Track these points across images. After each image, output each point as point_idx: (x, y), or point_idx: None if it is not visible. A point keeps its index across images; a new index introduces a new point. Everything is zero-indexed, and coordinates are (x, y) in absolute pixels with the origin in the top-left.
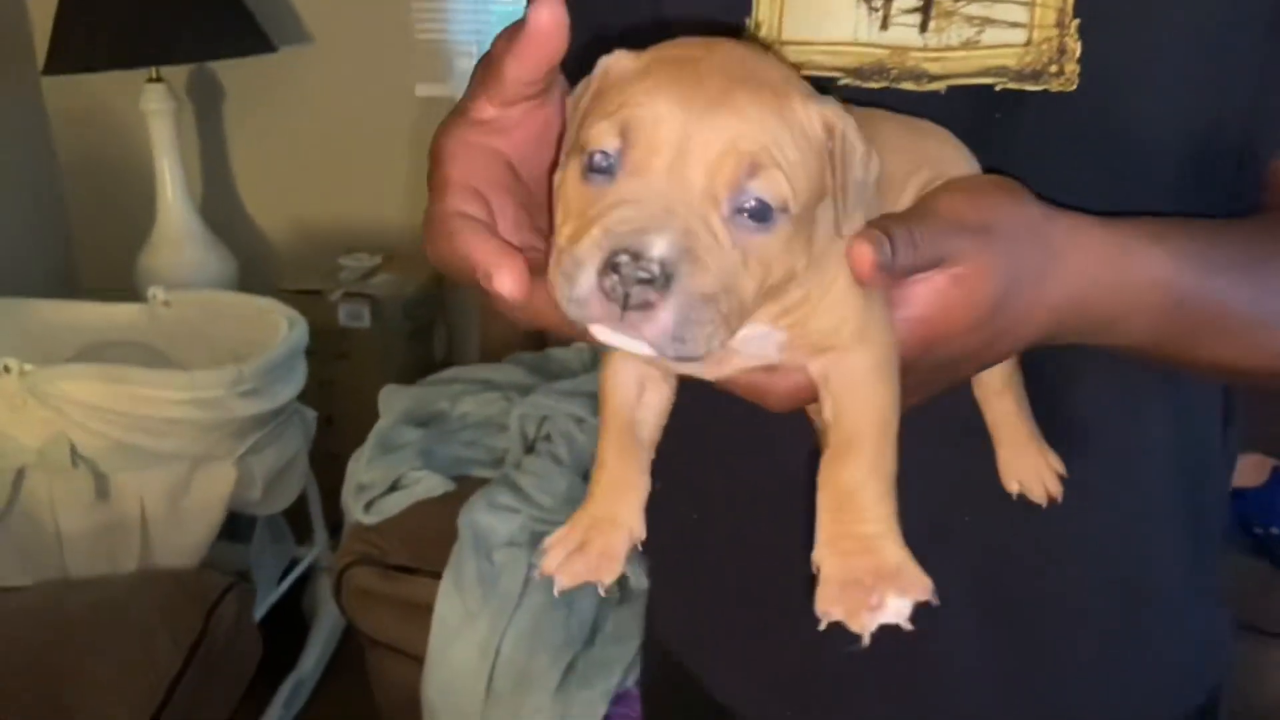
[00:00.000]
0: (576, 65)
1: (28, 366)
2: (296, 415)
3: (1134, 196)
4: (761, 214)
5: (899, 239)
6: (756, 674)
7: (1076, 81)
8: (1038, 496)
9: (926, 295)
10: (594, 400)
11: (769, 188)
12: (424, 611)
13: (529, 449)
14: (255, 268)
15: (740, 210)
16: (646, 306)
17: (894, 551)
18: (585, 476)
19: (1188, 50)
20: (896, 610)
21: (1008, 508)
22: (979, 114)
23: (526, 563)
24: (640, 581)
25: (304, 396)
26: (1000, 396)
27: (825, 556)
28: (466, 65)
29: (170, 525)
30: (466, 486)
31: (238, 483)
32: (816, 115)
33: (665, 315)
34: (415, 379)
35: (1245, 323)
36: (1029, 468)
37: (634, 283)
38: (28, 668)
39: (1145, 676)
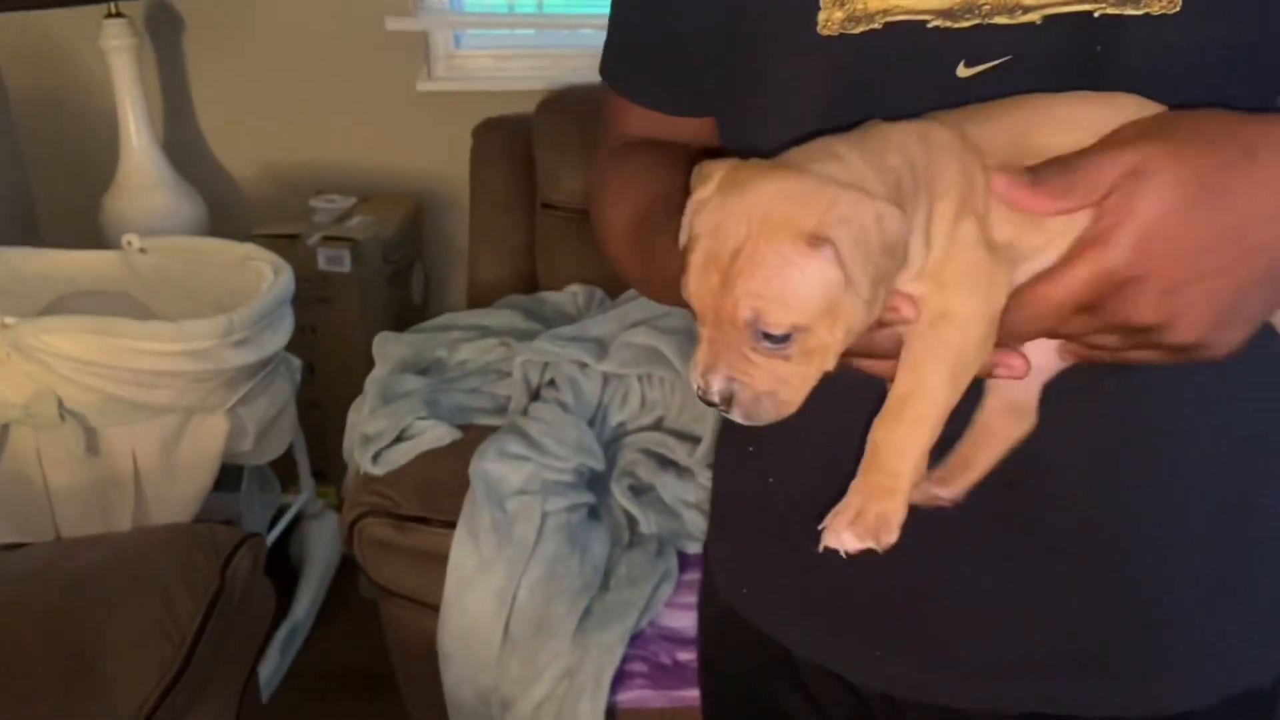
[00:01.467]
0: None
1: (9, 320)
2: (284, 364)
3: None
4: (778, 339)
5: (1046, 167)
6: (821, 613)
7: (1180, 3)
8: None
9: (1115, 202)
10: (596, 345)
11: (774, 324)
12: (438, 561)
13: (534, 396)
14: (224, 212)
15: (763, 337)
16: (728, 408)
17: (885, 503)
18: (592, 423)
19: None
20: (844, 543)
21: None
22: (1078, 44)
23: (539, 510)
24: (649, 525)
25: (288, 345)
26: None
27: (849, 492)
28: None
29: (164, 479)
30: (473, 435)
31: (230, 434)
32: (813, 252)
33: (737, 412)
34: (395, 324)
35: None
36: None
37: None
38: (45, 631)
39: (1247, 629)
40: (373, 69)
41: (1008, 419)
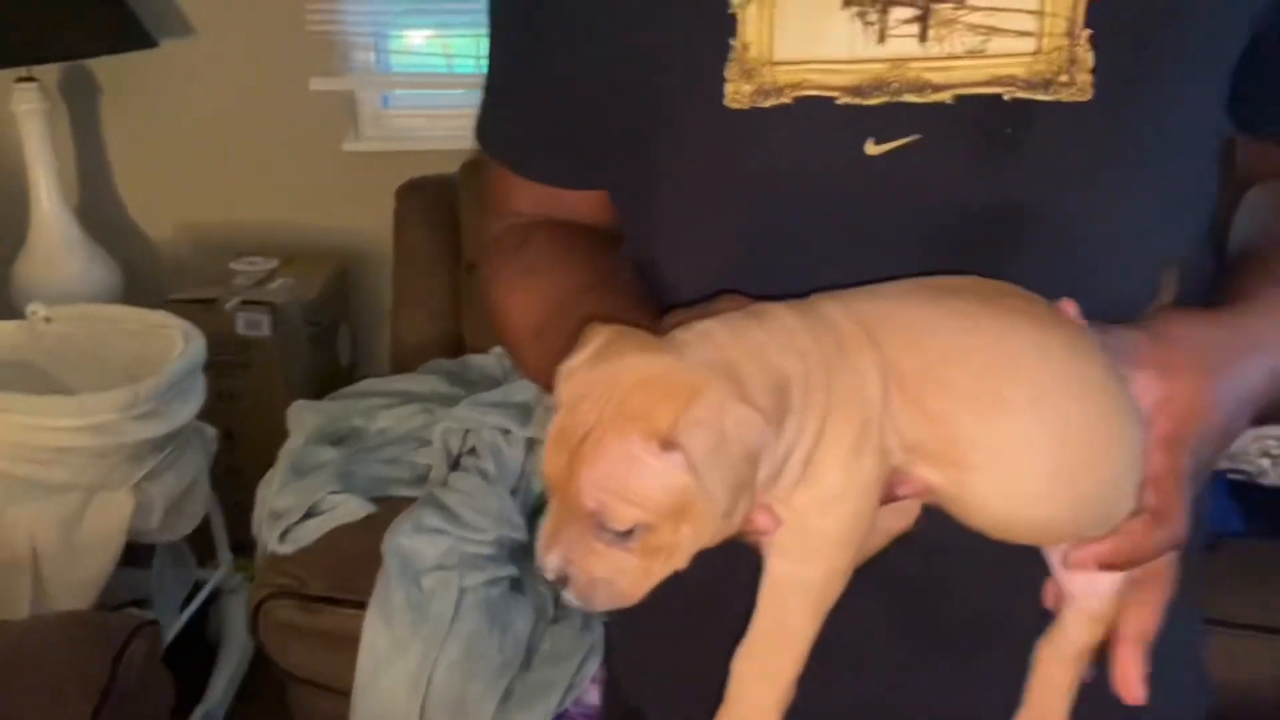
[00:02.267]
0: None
1: None
2: (196, 434)
3: (1150, 209)
4: (622, 533)
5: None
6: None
7: (1090, 91)
8: None
9: (1152, 380)
10: (520, 410)
11: (616, 521)
12: (349, 643)
13: (454, 465)
14: (142, 277)
15: (606, 529)
16: (564, 587)
17: None
18: (514, 492)
19: (1202, 59)
20: None
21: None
22: (988, 126)
23: (457, 586)
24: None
25: (202, 412)
26: (1062, 665)
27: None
28: (362, 58)
29: (64, 561)
30: (389, 508)
31: (135, 511)
32: (663, 453)
33: (571, 594)
34: (320, 386)
35: None
36: None
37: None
38: None
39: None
40: (298, 129)
41: (890, 515)
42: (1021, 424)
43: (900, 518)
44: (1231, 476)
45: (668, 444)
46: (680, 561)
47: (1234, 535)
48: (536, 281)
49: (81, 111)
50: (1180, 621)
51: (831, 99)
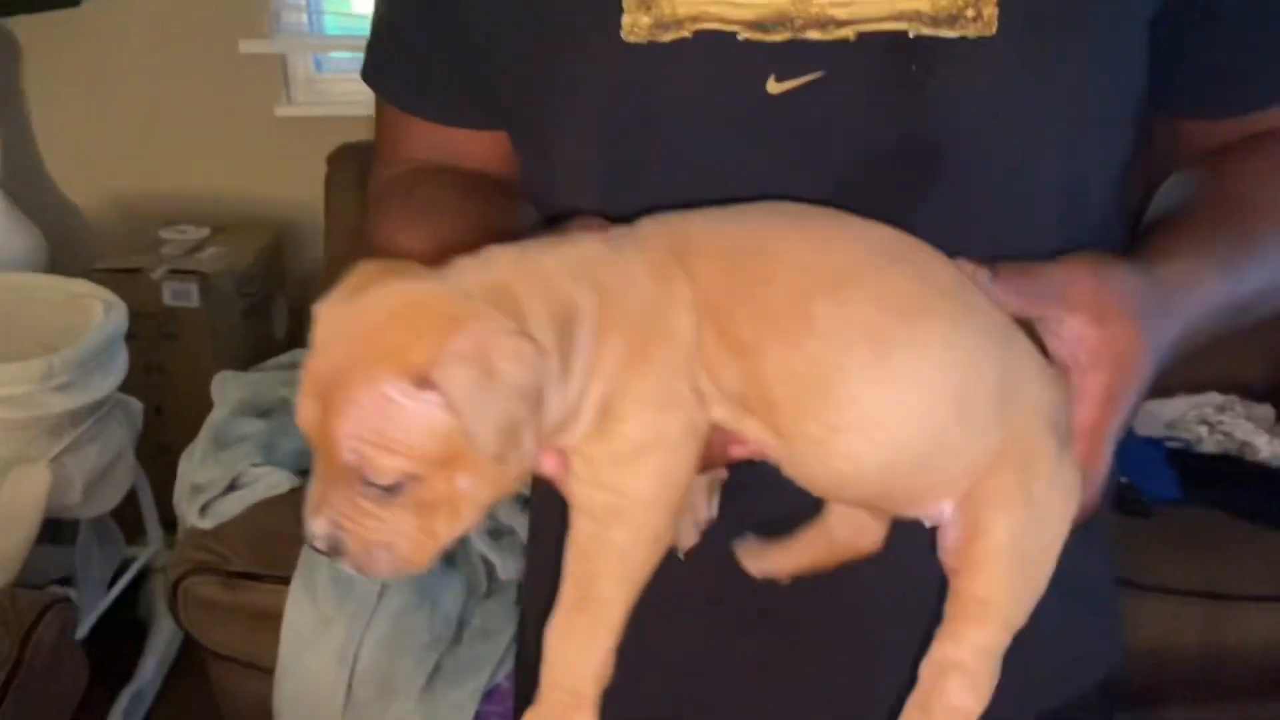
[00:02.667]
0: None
1: None
2: (119, 407)
3: (1057, 145)
4: (388, 488)
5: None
6: (645, 699)
7: (995, 25)
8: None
9: (1083, 336)
10: None
11: (378, 474)
12: (272, 620)
13: None
14: (67, 246)
15: (371, 485)
16: (337, 557)
17: None
18: None
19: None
20: None
21: None
22: (893, 63)
23: None
24: (509, 572)
25: (128, 385)
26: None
27: (534, 702)
28: (293, 20)
29: None
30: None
31: (53, 486)
32: (417, 393)
33: (347, 563)
34: (254, 359)
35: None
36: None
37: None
38: None
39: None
40: (227, 93)
41: (849, 529)
42: (832, 349)
43: (864, 535)
44: (1170, 445)
45: (423, 382)
46: (467, 519)
47: (1171, 502)
48: (423, 228)
49: (1, 75)
50: (1091, 572)
51: (733, 34)
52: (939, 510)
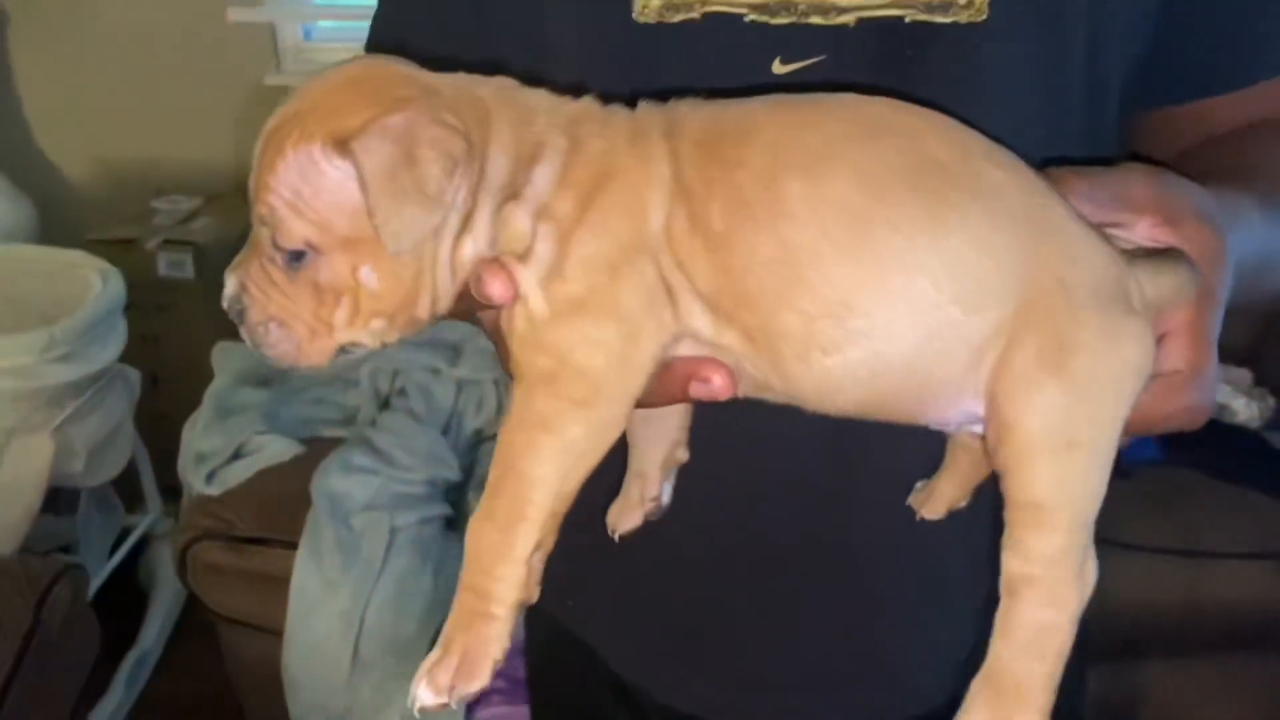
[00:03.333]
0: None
1: None
2: (119, 377)
3: (1045, 126)
4: (294, 255)
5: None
6: (649, 640)
7: (986, 11)
8: None
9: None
10: (449, 349)
11: (284, 235)
12: (279, 584)
13: (383, 405)
14: (58, 216)
15: (278, 248)
16: (240, 323)
17: (477, 635)
18: (445, 431)
19: None
20: (421, 699)
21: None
22: (890, 49)
23: (388, 525)
24: None
25: (126, 355)
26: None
27: (452, 609)
28: None
29: None
30: (317, 448)
31: (57, 456)
32: (336, 159)
33: (245, 334)
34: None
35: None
36: None
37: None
38: None
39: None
40: (216, 62)
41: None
42: (805, 231)
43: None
44: None
45: (344, 150)
46: (367, 321)
47: (1151, 463)
48: None
49: None
50: None
51: (740, 16)
52: (965, 413)
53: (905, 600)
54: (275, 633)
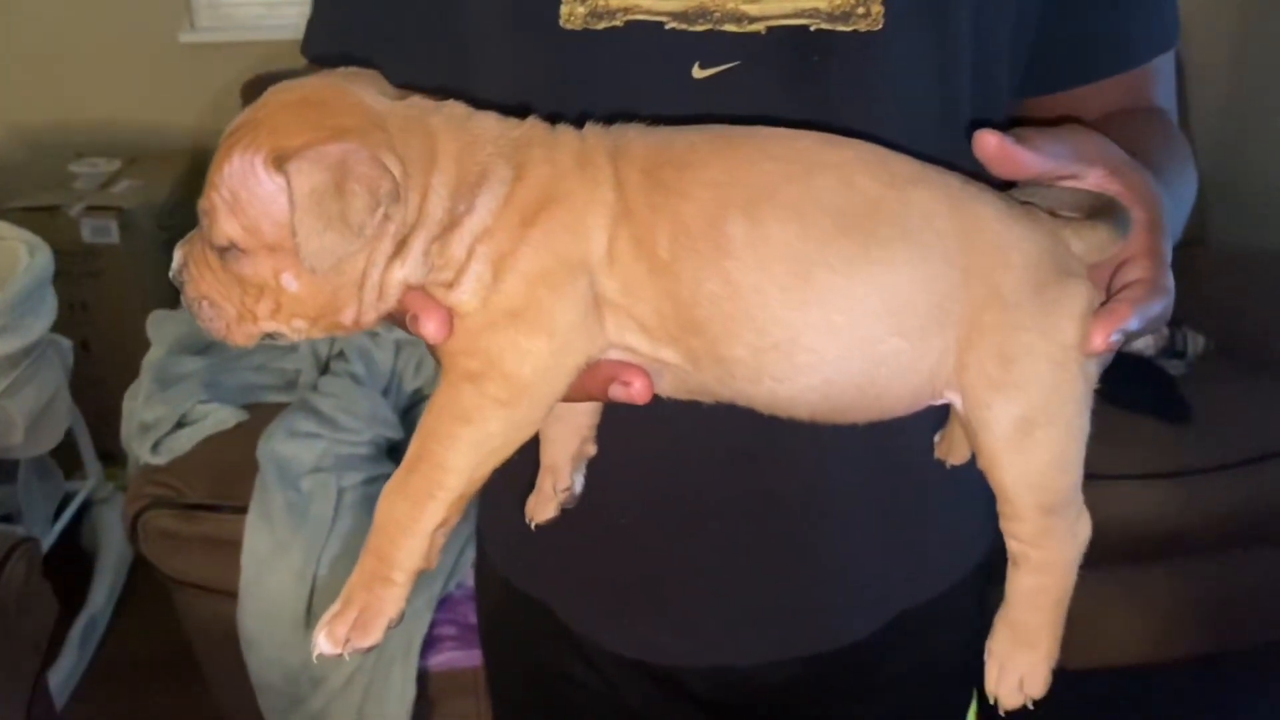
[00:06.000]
0: None
1: None
2: (51, 347)
3: (936, 133)
4: (224, 250)
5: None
6: (595, 593)
7: (881, 22)
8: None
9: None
10: None
11: (213, 233)
12: (231, 547)
13: (323, 369)
14: None
15: (211, 239)
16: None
17: (375, 596)
18: (386, 392)
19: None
20: (319, 647)
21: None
22: (797, 56)
23: (335, 487)
24: None
25: (56, 324)
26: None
27: (356, 567)
28: None
29: None
30: (260, 414)
31: None
32: (273, 172)
33: (183, 302)
34: (178, 295)
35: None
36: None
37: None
38: None
39: (922, 551)
40: (128, 20)
41: None
42: (748, 271)
43: None
44: None
45: (279, 163)
46: (289, 321)
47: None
48: None
49: None
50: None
51: (661, 23)
52: (943, 402)
53: (821, 545)
54: (229, 594)
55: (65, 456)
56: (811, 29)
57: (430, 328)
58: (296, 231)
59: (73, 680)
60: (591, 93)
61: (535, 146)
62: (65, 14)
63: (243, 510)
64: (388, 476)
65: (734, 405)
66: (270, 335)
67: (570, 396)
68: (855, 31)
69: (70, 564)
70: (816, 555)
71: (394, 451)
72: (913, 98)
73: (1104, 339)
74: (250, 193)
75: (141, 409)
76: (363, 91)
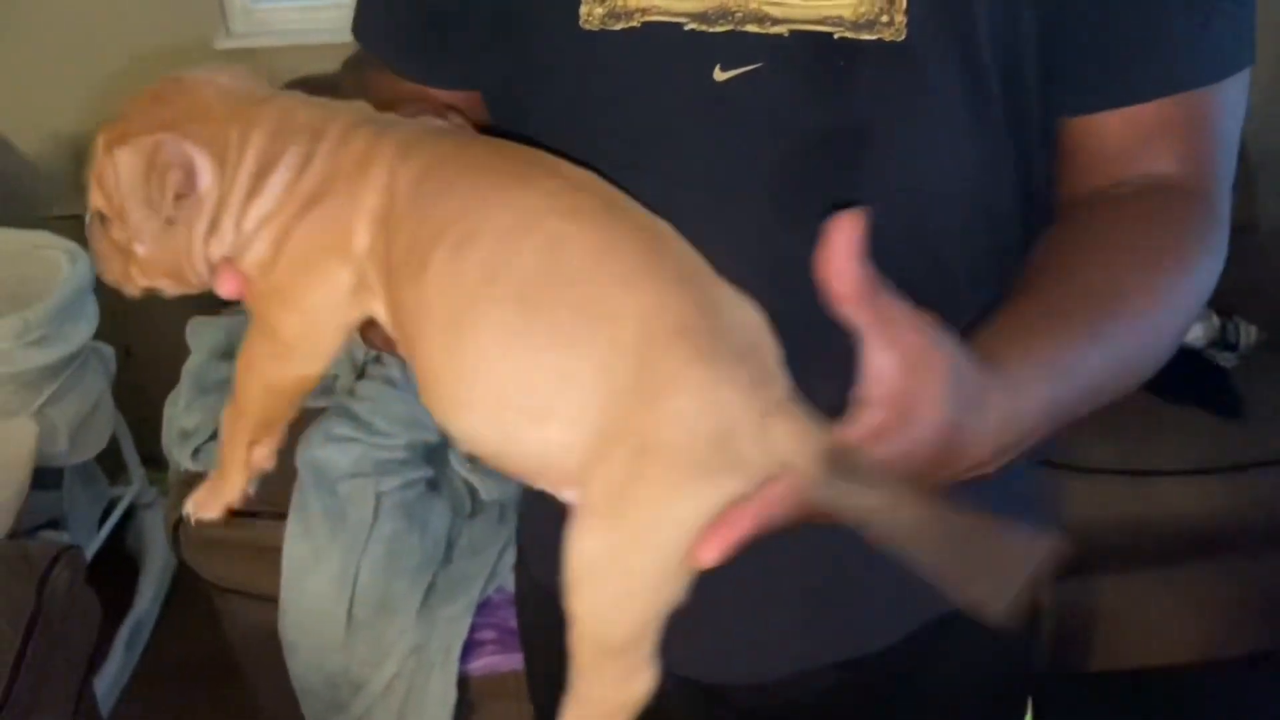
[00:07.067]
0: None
1: None
2: (94, 354)
3: (959, 146)
4: (102, 217)
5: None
6: None
7: (905, 32)
8: None
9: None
10: None
11: (89, 201)
12: (272, 553)
13: (360, 373)
14: (16, 194)
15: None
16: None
17: (216, 480)
18: None
19: (1004, 8)
20: (185, 508)
21: None
22: (822, 60)
23: (373, 491)
24: (490, 493)
25: (98, 331)
26: None
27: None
28: None
29: None
30: (298, 420)
31: (41, 437)
32: (111, 150)
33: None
34: (215, 298)
35: (1107, 382)
36: None
37: None
38: None
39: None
40: (163, 27)
41: None
42: (426, 302)
43: None
44: None
45: (110, 148)
46: (153, 278)
47: None
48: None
49: None
50: (1026, 476)
51: (679, 24)
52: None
53: (847, 544)
54: (271, 599)
55: (110, 462)
56: (835, 36)
57: (225, 285)
58: (125, 201)
59: (119, 685)
60: (613, 94)
61: (327, 141)
62: (101, 21)
63: (282, 516)
64: (426, 481)
65: None
66: (152, 289)
67: (377, 347)
68: (880, 40)
69: (116, 568)
70: (843, 555)
71: (431, 455)
72: (941, 108)
73: (714, 554)
74: (102, 171)
75: (181, 416)
76: (217, 85)
